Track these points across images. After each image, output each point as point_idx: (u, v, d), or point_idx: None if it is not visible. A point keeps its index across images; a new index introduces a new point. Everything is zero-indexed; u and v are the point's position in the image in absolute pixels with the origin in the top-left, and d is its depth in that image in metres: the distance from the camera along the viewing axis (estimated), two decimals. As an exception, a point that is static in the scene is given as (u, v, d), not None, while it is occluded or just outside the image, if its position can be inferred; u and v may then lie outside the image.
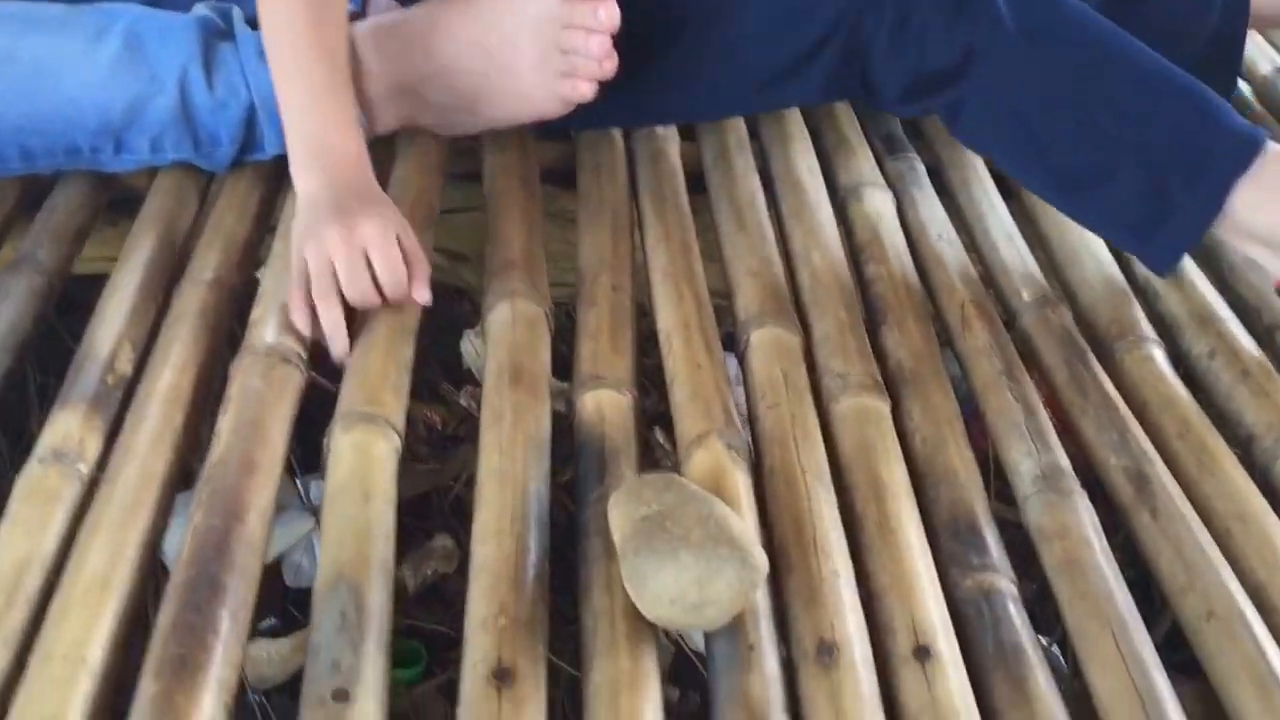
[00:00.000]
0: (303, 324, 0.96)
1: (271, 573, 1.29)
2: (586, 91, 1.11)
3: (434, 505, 1.37)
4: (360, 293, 0.96)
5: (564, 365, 1.00)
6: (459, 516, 1.34)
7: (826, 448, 0.91)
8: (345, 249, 0.95)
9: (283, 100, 1.05)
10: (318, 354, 0.98)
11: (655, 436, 1.33)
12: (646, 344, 1.06)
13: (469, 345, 1.46)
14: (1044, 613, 0.91)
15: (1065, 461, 0.90)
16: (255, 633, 1.28)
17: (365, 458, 0.86)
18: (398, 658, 1.23)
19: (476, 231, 1.14)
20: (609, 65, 1.09)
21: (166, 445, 0.87)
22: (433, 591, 1.30)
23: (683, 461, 0.89)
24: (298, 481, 1.32)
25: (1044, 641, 0.97)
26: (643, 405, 1.24)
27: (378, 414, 0.89)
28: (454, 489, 1.35)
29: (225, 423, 0.88)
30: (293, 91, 1.04)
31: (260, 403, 0.89)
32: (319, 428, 0.91)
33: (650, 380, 1.13)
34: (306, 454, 1.19)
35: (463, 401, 1.44)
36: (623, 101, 1.18)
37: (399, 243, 0.98)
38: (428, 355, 1.45)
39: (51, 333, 1.17)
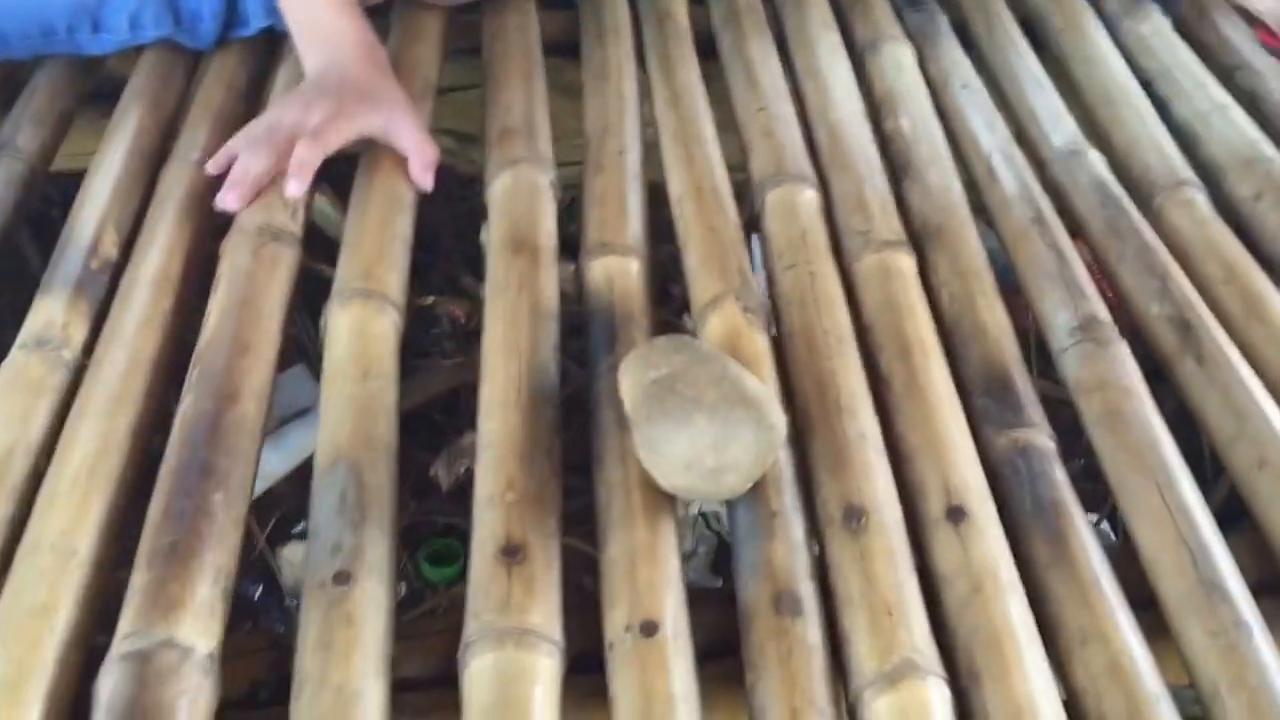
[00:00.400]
0: (213, 164, 0.94)
1: (303, 476, 1.27)
2: None
3: (462, 401, 1.34)
4: (257, 163, 0.92)
5: (577, 247, 0.95)
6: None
7: (850, 308, 0.86)
8: (284, 127, 0.92)
9: None
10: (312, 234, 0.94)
11: (685, 323, 1.29)
12: (671, 233, 1.01)
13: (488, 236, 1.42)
14: (1092, 492, 0.86)
15: (1103, 311, 0.85)
16: (289, 537, 1.26)
17: (363, 335, 0.82)
18: (436, 556, 1.22)
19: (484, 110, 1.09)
20: None
21: (155, 329, 0.83)
22: (466, 489, 1.28)
23: (698, 327, 0.85)
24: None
25: (1091, 519, 0.92)
26: (669, 288, 1.20)
27: (374, 289, 0.85)
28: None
29: (215, 303, 0.84)
30: None
31: (251, 281, 0.85)
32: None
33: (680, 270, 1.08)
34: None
35: (485, 294, 1.40)
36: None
37: (395, 138, 0.94)
38: (449, 249, 1.41)
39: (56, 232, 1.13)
